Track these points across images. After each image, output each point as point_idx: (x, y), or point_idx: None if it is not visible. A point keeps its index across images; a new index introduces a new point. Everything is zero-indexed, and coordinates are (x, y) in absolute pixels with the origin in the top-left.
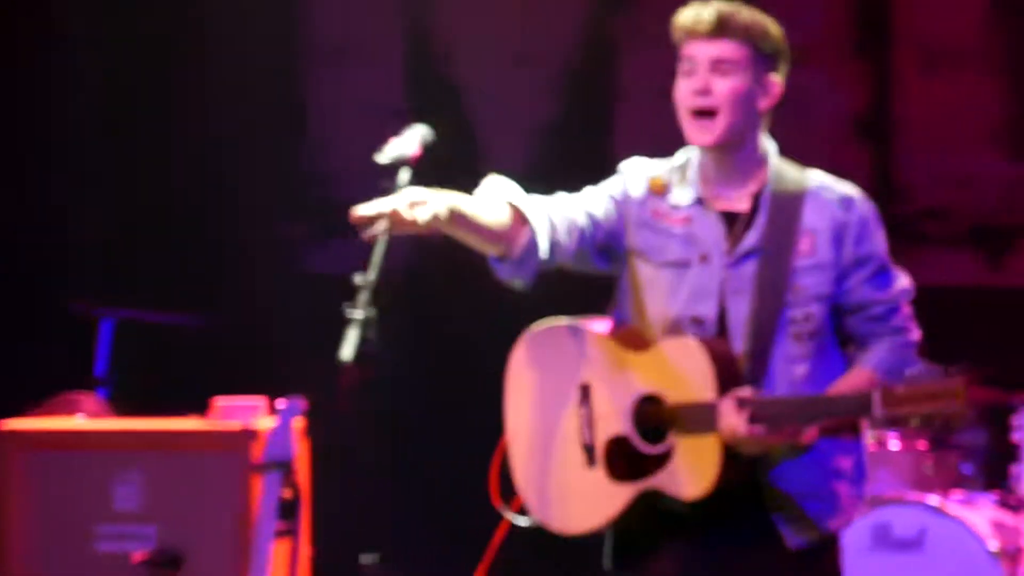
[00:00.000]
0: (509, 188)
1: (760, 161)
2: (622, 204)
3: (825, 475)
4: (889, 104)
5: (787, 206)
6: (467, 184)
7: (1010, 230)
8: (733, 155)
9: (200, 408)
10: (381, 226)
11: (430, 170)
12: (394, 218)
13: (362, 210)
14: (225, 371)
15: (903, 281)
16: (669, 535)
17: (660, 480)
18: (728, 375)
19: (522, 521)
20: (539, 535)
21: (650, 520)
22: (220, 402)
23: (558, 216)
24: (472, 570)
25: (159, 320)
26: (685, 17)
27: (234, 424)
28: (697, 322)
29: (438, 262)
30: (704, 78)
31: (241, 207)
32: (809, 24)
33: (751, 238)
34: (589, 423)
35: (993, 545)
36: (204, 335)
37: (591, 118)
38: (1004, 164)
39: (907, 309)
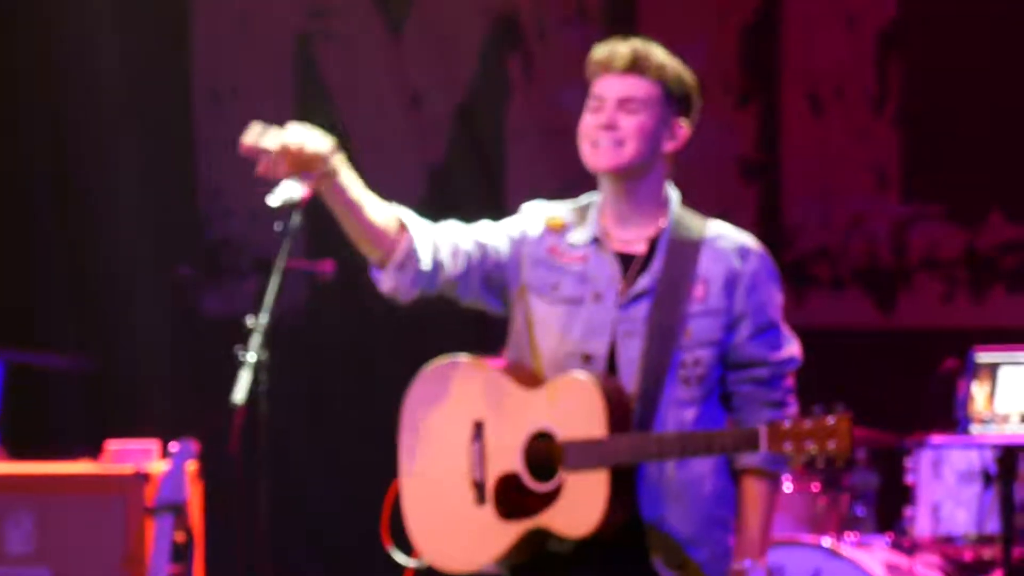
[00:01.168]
0: (399, 207)
1: (661, 204)
2: (517, 242)
3: (710, 523)
4: (776, 145)
5: (684, 252)
6: None
7: (900, 271)
8: (633, 190)
9: (93, 451)
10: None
11: (322, 212)
12: (282, 153)
13: (249, 138)
14: (118, 414)
15: (792, 348)
16: None
17: (547, 518)
18: (619, 413)
19: (411, 563)
20: None
21: (538, 561)
22: (113, 445)
23: (442, 238)
24: None
25: (51, 363)
26: (601, 52)
27: (126, 467)
28: (587, 359)
29: (332, 303)
30: (612, 113)
31: (133, 249)
32: (696, 64)
33: (644, 281)
34: (481, 460)
35: None
36: (97, 378)
37: (483, 157)
38: (893, 204)
39: (790, 380)
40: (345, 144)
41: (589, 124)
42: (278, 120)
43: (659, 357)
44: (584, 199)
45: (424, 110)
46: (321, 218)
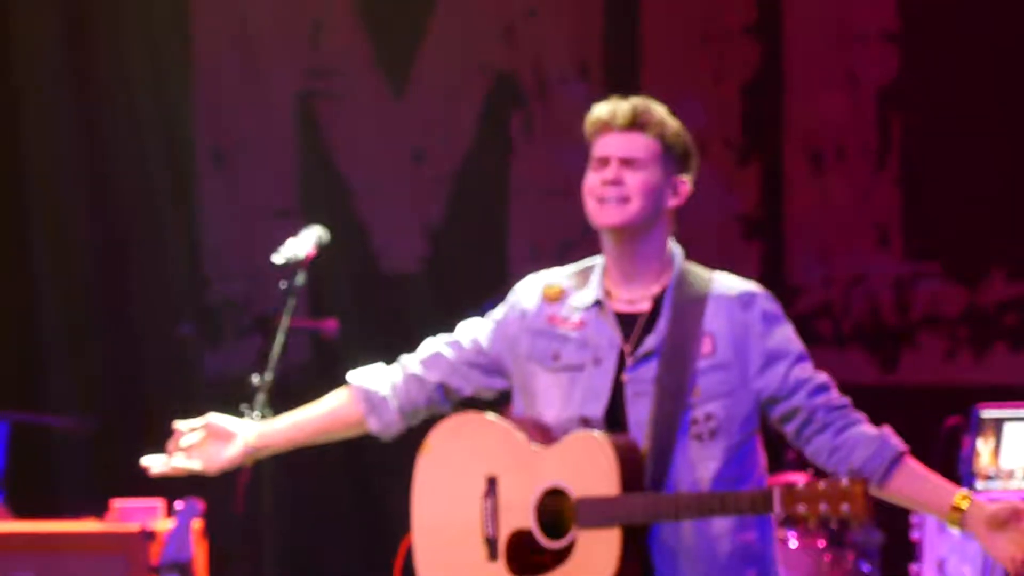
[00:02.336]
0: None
1: (665, 261)
2: (509, 324)
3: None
4: (779, 203)
5: (689, 309)
6: (361, 284)
7: (903, 328)
8: (638, 247)
9: (98, 510)
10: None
11: (325, 272)
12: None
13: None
14: (123, 473)
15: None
16: None
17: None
18: (631, 471)
19: None
20: None
21: None
22: (118, 504)
23: (413, 363)
24: None
25: (55, 423)
26: (601, 111)
27: (132, 526)
28: (585, 422)
29: (336, 362)
30: (616, 170)
31: (136, 309)
32: (697, 122)
33: (651, 341)
34: (493, 516)
35: None
36: (101, 437)
37: (484, 216)
38: (896, 262)
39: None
40: (350, 203)
41: (594, 182)
42: (280, 179)
43: (669, 417)
44: (585, 263)
45: (425, 169)
46: (324, 277)
